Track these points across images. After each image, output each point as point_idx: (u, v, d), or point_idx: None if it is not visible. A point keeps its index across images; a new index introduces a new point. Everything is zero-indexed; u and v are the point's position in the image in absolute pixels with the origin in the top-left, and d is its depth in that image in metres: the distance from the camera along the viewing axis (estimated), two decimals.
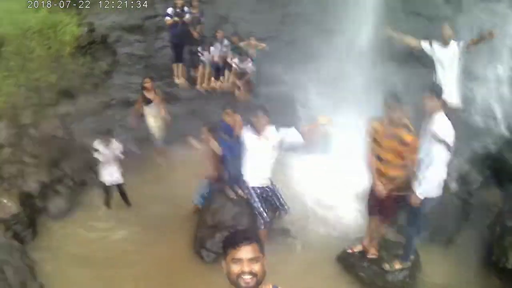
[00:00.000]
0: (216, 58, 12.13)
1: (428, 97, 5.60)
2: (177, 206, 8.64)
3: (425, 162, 5.70)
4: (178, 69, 12.28)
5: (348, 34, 11.25)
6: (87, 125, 10.94)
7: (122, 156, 9.22)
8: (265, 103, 10.94)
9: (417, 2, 13.32)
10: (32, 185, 9.09)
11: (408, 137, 5.77)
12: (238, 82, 11.70)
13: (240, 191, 7.49)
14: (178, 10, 11.73)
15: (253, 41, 12.12)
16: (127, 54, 12.48)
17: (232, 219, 7.44)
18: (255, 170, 7.23)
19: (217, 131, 7.50)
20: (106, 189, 8.73)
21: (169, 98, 11.53)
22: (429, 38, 11.50)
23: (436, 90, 5.72)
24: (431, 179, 5.68)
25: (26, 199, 8.69)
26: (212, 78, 12.24)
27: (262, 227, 7.12)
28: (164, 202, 8.87)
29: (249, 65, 11.82)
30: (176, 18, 11.72)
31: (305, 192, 9.10)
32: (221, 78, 12.25)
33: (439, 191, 5.83)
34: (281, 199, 7.52)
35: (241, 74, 11.76)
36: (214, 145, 7.41)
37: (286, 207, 7.56)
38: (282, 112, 10.72)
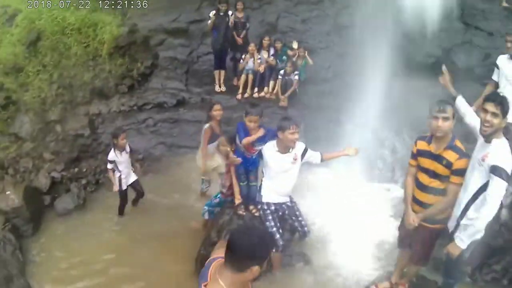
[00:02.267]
0: (260, 67, 11.46)
1: (491, 112, 4.28)
2: (187, 217, 7.98)
3: (475, 203, 4.50)
4: (220, 76, 11.78)
5: (402, 49, 10.64)
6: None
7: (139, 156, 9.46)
8: (306, 115, 10.44)
9: (477, 15, 12.49)
10: (42, 180, 8.79)
11: (456, 160, 4.73)
12: (281, 94, 11.16)
13: (252, 207, 6.63)
14: (221, 13, 11.17)
15: (301, 52, 11.42)
16: (169, 58, 12.08)
17: None
18: (273, 186, 6.30)
19: (235, 141, 6.65)
20: (123, 194, 8.18)
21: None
22: (487, 52, 11.17)
23: (503, 103, 4.30)
24: (480, 223, 4.40)
25: (33, 194, 8.42)
26: (256, 88, 11.59)
27: (274, 250, 5.85)
28: (174, 211, 8.30)
29: (295, 77, 11.15)
30: (217, 22, 11.17)
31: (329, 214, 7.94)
32: (265, 88, 11.57)
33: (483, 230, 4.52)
34: (301, 220, 6.54)
35: (286, 85, 11.11)
36: (232, 158, 6.50)
37: (306, 229, 6.57)
38: (322, 127, 10.29)
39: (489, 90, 7.27)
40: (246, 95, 11.48)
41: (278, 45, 11.70)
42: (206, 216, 7.22)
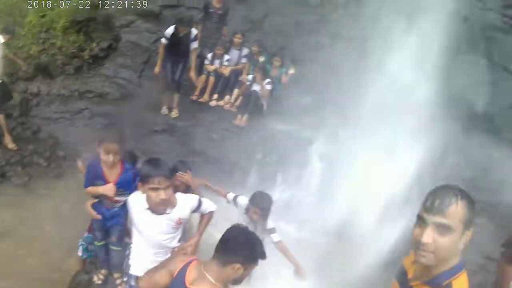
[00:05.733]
0: (225, 70, 10.62)
1: None
2: None
3: None
4: (173, 99, 10.34)
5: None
6: (50, 113, 10.29)
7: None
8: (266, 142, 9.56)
9: (506, 55, 11.28)
10: None
11: None
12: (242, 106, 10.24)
13: (117, 275, 5.42)
14: (180, 35, 9.73)
15: (277, 62, 10.54)
16: (131, 43, 11.49)
17: None
18: (145, 254, 4.65)
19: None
20: None
21: None
22: None
23: None
24: None
25: None
26: (215, 94, 10.69)
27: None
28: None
29: (267, 86, 10.21)
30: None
31: None
32: (226, 97, 10.67)
33: None
34: None
35: (249, 97, 10.17)
36: (89, 209, 5.16)
37: None
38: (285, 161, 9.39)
39: None
40: (201, 99, 10.61)
41: (255, 48, 10.74)
42: (80, 253, 6.06)
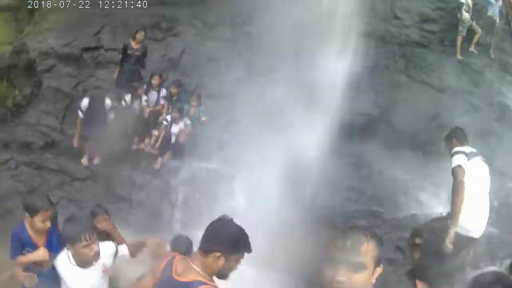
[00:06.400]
0: (145, 111, 11.14)
1: None
2: None
3: None
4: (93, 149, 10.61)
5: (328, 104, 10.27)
6: None
7: None
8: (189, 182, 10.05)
9: (425, 68, 11.97)
10: None
11: None
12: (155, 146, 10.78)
13: None
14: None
15: (194, 101, 11.09)
16: (52, 88, 11.76)
17: None
18: None
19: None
20: None
21: None
22: (436, 112, 11.08)
23: None
24: None
25: None
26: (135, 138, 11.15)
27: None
28: None
29: (187, 121, 10.74)
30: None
31: None
32: (146, 139, 11.13)
33: None
34: None
35: (168, 139, 10.68)
36: (22, 276, 4.65)
37: None
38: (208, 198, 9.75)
39: None
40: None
41: (174, 90, 11.17)
42: None
